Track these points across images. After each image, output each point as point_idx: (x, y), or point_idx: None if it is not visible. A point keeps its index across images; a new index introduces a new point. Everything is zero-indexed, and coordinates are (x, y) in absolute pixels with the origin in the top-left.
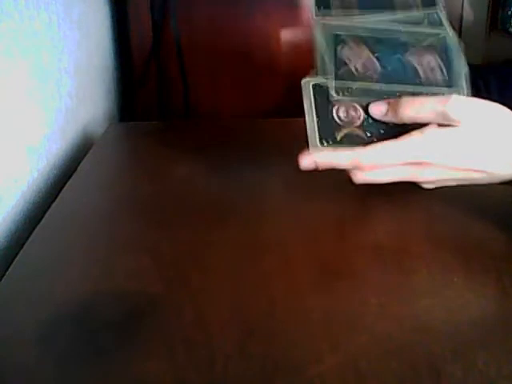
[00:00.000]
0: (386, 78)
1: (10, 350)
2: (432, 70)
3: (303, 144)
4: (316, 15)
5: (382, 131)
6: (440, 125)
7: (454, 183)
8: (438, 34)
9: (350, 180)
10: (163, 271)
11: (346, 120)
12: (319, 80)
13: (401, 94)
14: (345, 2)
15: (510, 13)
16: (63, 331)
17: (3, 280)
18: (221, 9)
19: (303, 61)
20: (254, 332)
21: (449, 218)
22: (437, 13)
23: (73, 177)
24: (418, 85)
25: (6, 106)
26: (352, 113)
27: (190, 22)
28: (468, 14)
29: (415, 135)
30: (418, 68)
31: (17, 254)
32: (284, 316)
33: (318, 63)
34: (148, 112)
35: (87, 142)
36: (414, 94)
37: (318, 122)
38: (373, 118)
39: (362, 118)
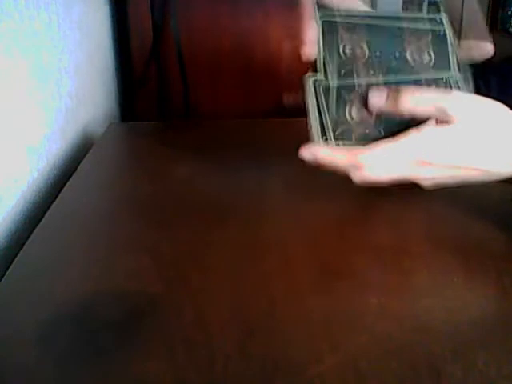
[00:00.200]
0: (373, 65)
1: (9, 349)
2: (420, 52)
3: (303, 144)
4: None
5: (395, 129)
6: (437, 121)
7: (452, 182)
8: (434, 21)
9: (349, 179)
10: (163, 271)
11: (358, 119)
12: (327, 79)
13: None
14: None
15: (510, 13)
16: (63, 331)
17: (3, 280)
18: (221, 9)
19: (303, 61)
20: (254, 332)
21: (449, 218)
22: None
23: (73, 177)
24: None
25: (5, 106)
26: (364, 112)
27: (190, 22)
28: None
29: (413, 133)
30: (408, 53)
31: (17, 254)
32: (284, 316)
33: (318, 60)
34: (148, 112)
35: (87, 142)
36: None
37: (328, 122)
38: (385, 116)
39: (374, 116)
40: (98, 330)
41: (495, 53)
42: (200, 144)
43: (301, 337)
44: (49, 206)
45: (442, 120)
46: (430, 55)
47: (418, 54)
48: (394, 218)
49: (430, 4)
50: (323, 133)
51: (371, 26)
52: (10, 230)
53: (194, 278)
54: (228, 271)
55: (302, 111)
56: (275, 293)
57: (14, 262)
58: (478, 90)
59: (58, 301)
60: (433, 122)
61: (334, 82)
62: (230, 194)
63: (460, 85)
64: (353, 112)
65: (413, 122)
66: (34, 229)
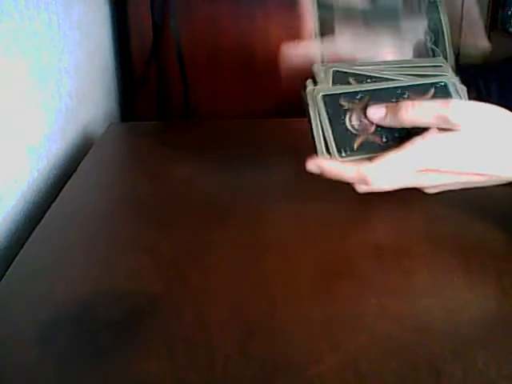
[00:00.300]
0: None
1: (10, 349)
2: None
3: (303, 144)
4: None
5: (396, 134)
6: (440, 128)
7: (456, 188)
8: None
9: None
10: (163, 271)
11: (359, 128)
12: (327, 90)
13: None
14: (350, 15)
15: (510, 13)
16: (63, 331)
17: (3, 280)
18: (221, 9)
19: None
20: (254, 332)
21: (449, 218)
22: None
23: (73, 177)
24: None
25: (5, 106)
26: (364, 120)
27: (190, 22)
28: (468, 13)
29: (418, 141)
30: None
31: (17, 254)
32: (284, 316)
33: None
34: (148, 112)
35: (87, 142)
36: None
37: (332, 133)
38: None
39: (374, 123)
40: (98, 329)
41: (495, 53)
42: (200, 144)
43: (301, 337)
44: (49, 206)
45: (444, 128)
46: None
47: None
48: (394, 218)
49: (429, 3)
50: (326, 144)
51: (374, 91)
52: (9, 230)
53: (194, 278)
54: (228, 271)
55: (302, 111)
56: (275, 293)
57: (14, 262)
58: (479, 91)
59: (58, 301)
60: (435, 129)
61: (333, 90)
62: (229, 194)
63: (458, 88)
64: (353, 120)
65: (415, 127)
66: (34, 229)
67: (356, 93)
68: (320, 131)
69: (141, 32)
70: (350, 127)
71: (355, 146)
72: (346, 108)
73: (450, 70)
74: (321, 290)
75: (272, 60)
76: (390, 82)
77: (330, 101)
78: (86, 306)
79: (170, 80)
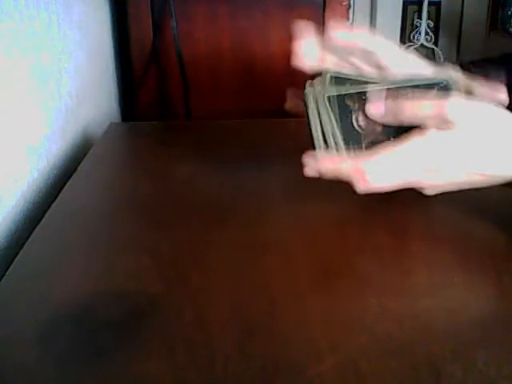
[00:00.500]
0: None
1: (10, 349)
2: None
3: (303, 144)
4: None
5: (404, 134)
6: (440, 127)
7: (455, 188)
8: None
9: (353, 191)
10: (163, 271)
11: (366, 128)
12: (334, 90)
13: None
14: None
15: (510, 13)
16: (63, 331)
17: (3, 280)
18: (220, 9)
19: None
20: (254, 332)
21: (449, 218)
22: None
23: (73, 177)
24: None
25: (5, 106)
26: (371, 120)
27: (189, 22)
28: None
29: (416, 137)
30: None
31: (17, 254)
32: (284, 316)
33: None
34: (148, 112)
35: (87, 142)
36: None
37: (341, 132)
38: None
39: (381, 123)
40: (98, 329)
41: (495, 53)
42: (200, 144)
43: (301, 337)
44: (49, 206)
45: (442, 126)
46: None
47: None
48: (394, 217)
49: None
50: (325, 142)
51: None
52: (10, 230)
53: (194, 278)
54: (228, 271)
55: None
56: (275, 293)
57: (14, 262)
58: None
59: (58, 301)
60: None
61: (337, 91)
62: (229, 194)
63: (460, 88)
64: (360, 121)
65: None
66: (34, 229)
67: (361, 93)
68: (318, 128)
69: (141, 32)
70: (357, 127)
71: (364, 146)
72: (351, 108)
73: (455, 74)
74: (321, 290)
75: (272, 60)
76: (392, 83)
77: (336, 101)
78: (86, 306)
79: (170, 80)
